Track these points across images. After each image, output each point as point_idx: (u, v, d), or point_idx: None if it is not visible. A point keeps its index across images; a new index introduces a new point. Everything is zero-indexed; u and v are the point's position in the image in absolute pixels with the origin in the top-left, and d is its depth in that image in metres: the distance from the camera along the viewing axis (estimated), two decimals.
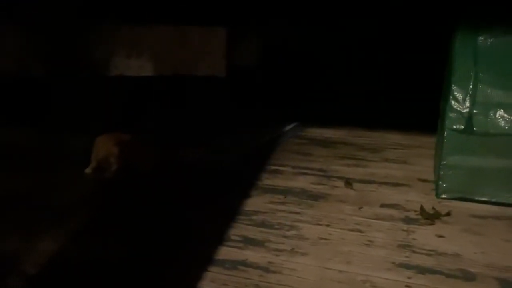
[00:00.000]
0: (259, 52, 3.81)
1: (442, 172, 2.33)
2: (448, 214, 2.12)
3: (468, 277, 1.63)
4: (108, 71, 3.39)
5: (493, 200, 2.25)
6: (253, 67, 3.83)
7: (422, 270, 1.66)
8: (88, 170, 2.57)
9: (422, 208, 2.16)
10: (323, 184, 2.52)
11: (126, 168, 2.53)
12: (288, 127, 3.71)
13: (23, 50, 3.41)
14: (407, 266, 1.69)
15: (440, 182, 2.33)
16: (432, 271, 1.66)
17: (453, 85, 2.28)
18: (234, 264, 1.68)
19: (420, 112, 3.28)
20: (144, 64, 3.38)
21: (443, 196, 2.32)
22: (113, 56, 3.35)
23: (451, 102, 2.28)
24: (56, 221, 1.97)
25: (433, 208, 2.17)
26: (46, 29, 3.35)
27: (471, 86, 2.26)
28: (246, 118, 3.54)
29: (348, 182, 2.52)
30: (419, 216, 2.10)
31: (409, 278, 1.61)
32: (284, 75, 4.03)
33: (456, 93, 2.27)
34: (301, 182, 2.54)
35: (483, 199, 2.26)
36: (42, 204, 2.15)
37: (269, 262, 1.70)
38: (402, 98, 3.86)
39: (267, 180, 2.57)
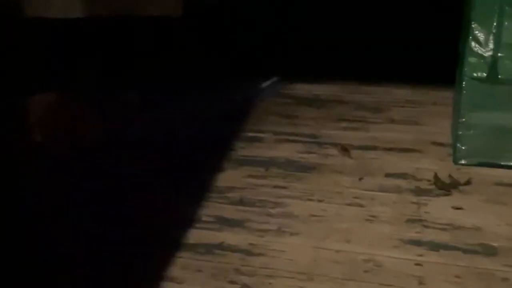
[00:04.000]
0: None
1: (460, 133, 2.55)
2: (468, 182, 2.35)
3: (490, 252, 1.86)
4: (22, 12, 3.43)
5: None
6: (215, 4, 3.94)
7: (435, 247, 1.88)
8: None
9: (436, 176, 2.38)
10: (314, 153, 2.72)
11: (69, 139, 2.64)
12: (267, 83, 3.86)
13: None
14: (417, 243, 1.91)
15: (458, 145, 2.56)
16: (447, 247, 1.88)
17: (473, 23, 2.47)
18: (209, 248, 1.86)
19: (435, 60, 3.50)
20: (71, 2, 3.44)
21: (462, 161, 2.55)
22: None
23: (470, 44, 2.48)
24: None
25: (449, 176, 2.40)
26: None
27: (495, 23, 2.45)
28: (211, 71, 3.68)
29: (345, 149, 2.73)
30: (433, 186, 2.33)
31: (419, 255, 1.83)
32: (256, 13, 4.15)
33: (476, 32, 2.47)
34: (286, 151, 2.74)
35: (511, 163, 2.51)
36: None
37: (251, 244, 1.89)
38: (411, 41, 4.07)
39: (243, 150, 2.76)
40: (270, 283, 1.69)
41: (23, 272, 1.75)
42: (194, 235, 1.95)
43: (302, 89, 3.89)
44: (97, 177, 2.46)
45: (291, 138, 2.91)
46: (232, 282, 1.69)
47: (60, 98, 2.71)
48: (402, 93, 3.70)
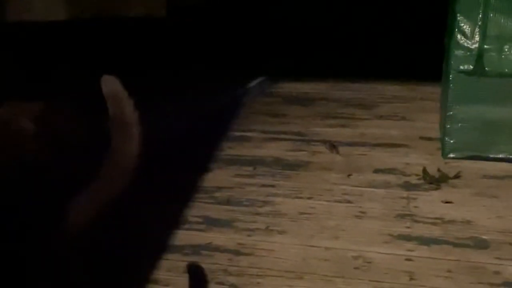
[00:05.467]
0: None
1: (448, 126, 2.54)
2: (457, 176, 2.34)
3: (480, 245, 1.84)
4: (3, 15, 3.38)
5: (511, 156, 2.48)
6: (200, 4, 3.91)
7: (425, 241, 1.86)
8: None
9: (425, 171, 2.36)
10: (302, 151, 2.70)
11: (49, 145, 2.58)
12: (254, 83, 3.85)
13: None
14: (407, 238, 1.88)
15: (446, 139, 2.55)
16: (438, 241, 1.86)
17: (458, 15, 2.46)
18: (196, 249, 1.82)
19: (422, 55, 3.50)
20: (53, 5, 3.39)
21: (451, 155, 2.54)
22: None
23: (456, 37, 2.47)
24: None
25: (438, 170, 2.38)
26: None
27: (480, 16, 2.44)
28: (197, 71, 3.65)
29: (333, 146, 2.70)
30: (422, 181, 2.31)
31: (410, 250, 1.81)
32: (242, 14, 4.13)
33: (462, 25, 2.46)
34: (274, 150, 2.71)
35: (499, 156, 2.49)
36: None
37: (239, 244, 1.85)
38: (398, 38, 4.06)
39: (230, 150, 2.73)
40: (258, 283, 1.65)
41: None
42: (180, 236, 1.91)
43: (290, 87, 3.88)
44: (82, 179, 2.41)
45: (279, 136, 2.89)
46: (219, 283, 1.65)
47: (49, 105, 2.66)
48: (389, 89, 3.70)
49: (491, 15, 2.43)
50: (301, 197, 2.20)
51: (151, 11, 3.38)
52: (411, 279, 1.65)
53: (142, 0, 3.40)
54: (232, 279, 1.66)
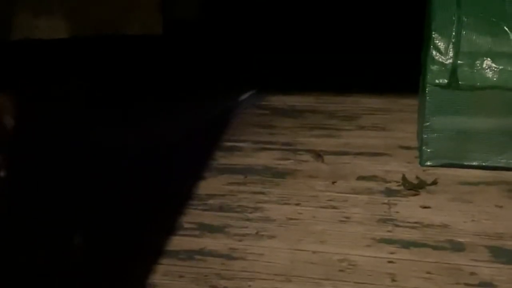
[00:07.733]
0: (202, 3, 3.89)
1: (425, 136, 2.52)
2: (434, 182, 2.32)
3: (457, 247, 1.82)
4: (9, 34, 3.35)
5: (484, 164, 2.47)
6: (195, 22, 3.90)
7: (406, 244, 1.84)
8: None
9: (404, 178, 2.35)
10: (290, 159, 2.67)
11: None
12: (245, 96, 3.84)
13: None
14: (389, 241, 1.86)
15: (424, 148, 2.53)
16: (417, 244, 1.84)
17: (433, 33, 2.46)
18: (190, 254, 1.79)
19: (401, 70, 3.50)
20: (56, 24, 3.36)
21: (428, 163, 2.52)
22: (16, 15, 3.31)
23: (432, 53, 2.46)
24: None
25: (417, 177, 2.37)
26: None
27: (454, 33, 2.45)
28: (191, 85, 3.63)
29: (319, 155, 2.68)
30: (402, 187, 2.29)
31: (391, 253, 1.79)
32: (233, 31, 4.12)
33: (437, 41, 2.46)
34: (264, 159, 2.68)
35: (473, 163, 2.48)
36: None
37: (231, 249, 1.82)
38: (378, 54, 4.07)
39: (222, 159, 2.69)
40: (249, 286, 1.62)
41: None
42: (175, 242, 1.88)
43: (278, 100, 3.86)
44: (77, 186, 2.37)
45: (268, 146, 2.87)
46: (212, 287, 1.62)
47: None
48: (371, 102, 3.69)
49: (464, 33, 2.44)
50: (289, 204, 2.18)
51: (148, 29, 3.36)
52: (393, 280, 1.63)
53: (138, 19, 3.37)
54: (224, 283, 1.63)
